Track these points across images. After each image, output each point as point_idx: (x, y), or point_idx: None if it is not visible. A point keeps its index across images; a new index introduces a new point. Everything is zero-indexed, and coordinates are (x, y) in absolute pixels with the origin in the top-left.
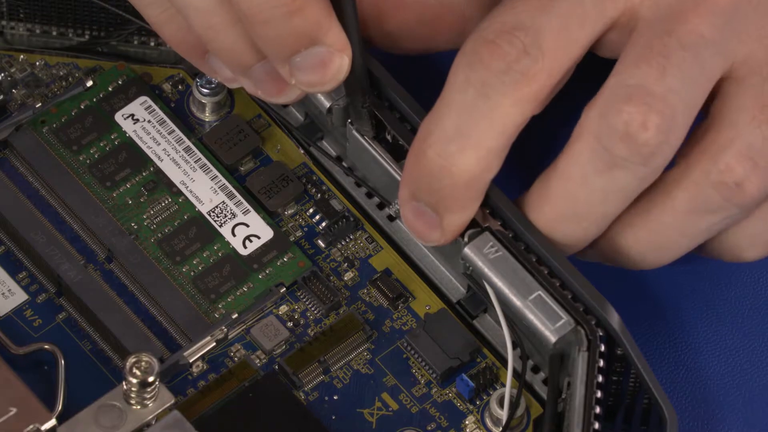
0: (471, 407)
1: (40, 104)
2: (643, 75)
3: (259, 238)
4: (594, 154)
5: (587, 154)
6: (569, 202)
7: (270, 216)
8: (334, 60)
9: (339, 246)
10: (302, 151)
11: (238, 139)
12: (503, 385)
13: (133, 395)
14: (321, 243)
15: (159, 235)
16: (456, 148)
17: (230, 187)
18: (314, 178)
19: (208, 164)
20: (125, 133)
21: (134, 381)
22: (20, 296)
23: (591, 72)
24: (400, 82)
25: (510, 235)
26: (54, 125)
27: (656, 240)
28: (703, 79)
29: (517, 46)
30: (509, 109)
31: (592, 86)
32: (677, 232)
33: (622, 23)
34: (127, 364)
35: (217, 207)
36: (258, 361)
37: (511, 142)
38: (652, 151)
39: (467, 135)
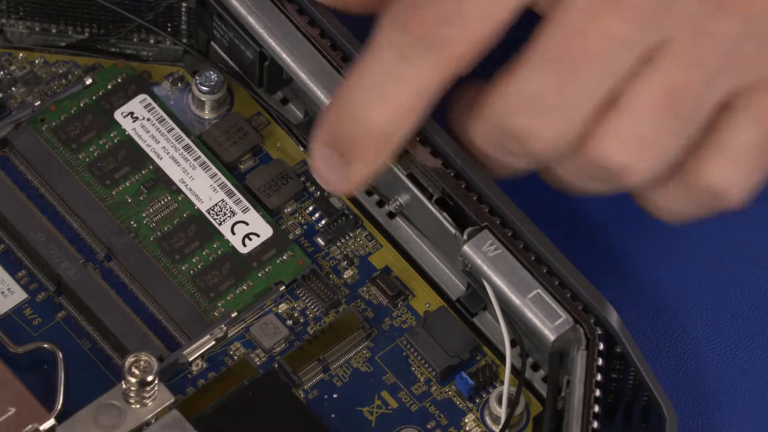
0: (470, 405)
1: (39, 102)
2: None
3: (258, 236)
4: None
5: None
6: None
7: (269, 214)
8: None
9: (338, 244)
10: (302, 149)
11: (238, 137)
12: (503, 383)
13: (132, 394)
14: (320, 241)
15: (158, 233)
16: (373, 103)
17: (230, 185)
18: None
19: (208, 162)
20: (125, 131)
21: (133, 380)
22: (19, 295)
23: None
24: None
25: (509, 233)
26: (53, 123)
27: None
28: (609, 81)
29: (439, 12)
30: (428, 73)
31: None
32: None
33: None
34: (127, 363)
35: (216, 205)
36: (257, 359)
37: (430, 102)
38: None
39: (385, 92)
